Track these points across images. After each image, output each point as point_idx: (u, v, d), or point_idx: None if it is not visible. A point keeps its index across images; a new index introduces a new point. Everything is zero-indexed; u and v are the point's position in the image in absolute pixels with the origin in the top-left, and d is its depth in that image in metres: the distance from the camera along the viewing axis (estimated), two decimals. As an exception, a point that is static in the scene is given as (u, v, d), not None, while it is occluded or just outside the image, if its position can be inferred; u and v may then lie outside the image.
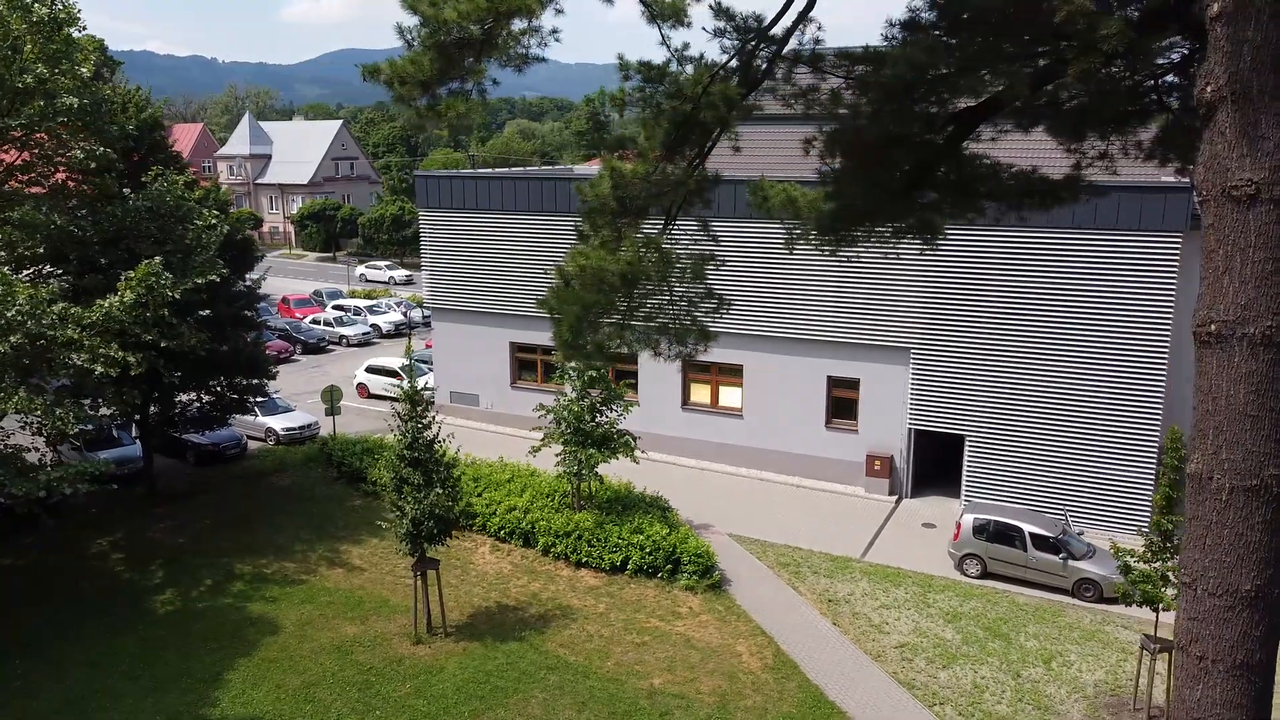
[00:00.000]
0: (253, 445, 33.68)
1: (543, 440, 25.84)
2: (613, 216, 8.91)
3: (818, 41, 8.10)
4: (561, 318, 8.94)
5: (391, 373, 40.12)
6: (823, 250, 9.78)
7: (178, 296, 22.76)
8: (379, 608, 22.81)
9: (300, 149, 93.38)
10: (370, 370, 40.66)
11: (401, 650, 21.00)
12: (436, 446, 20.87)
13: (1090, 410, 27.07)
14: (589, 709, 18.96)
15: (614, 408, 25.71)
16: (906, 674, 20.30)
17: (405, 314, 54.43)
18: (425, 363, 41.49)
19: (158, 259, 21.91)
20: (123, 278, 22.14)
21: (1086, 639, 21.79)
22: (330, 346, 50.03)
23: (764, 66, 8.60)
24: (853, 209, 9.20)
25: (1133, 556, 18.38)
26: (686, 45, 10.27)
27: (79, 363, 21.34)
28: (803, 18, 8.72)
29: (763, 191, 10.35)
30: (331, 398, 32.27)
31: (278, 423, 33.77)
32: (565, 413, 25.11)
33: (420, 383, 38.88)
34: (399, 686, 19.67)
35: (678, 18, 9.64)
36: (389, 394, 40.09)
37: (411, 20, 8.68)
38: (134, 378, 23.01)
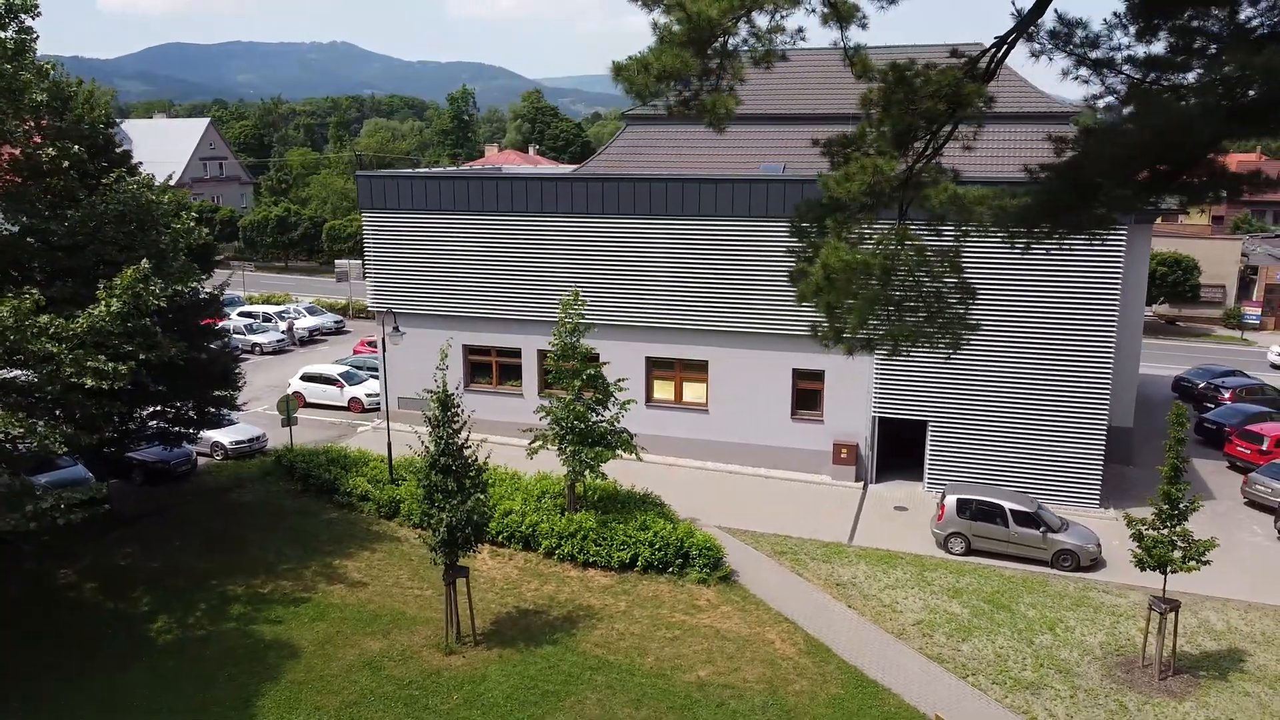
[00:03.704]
0: (200, 461, 31.85)
1: (535, 440, 25.66)
2: (854, 212, 9.17)
3: (1139, 45, 8.65)
4: (842, 311, 9.16)
5: (330, 380, 38.68)
6: (1012, 245, 10.33)
7: (163, 304, 21.43)
8: (396, 620, 22.15)
9: (164, 148, 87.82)
10: (306, 378, 39.02)
11: (435, 662, 20.49)
12: (467, 452, 20.44)
13: (1044, 394, 28.92)
14: (645, 706, 19.06)
15: (609, 406, 25.79)
16: (932, 649, 21.29)
17: (290, 324, 51.27)
18: (361, 368, 40.24)
19: (146, 264, 20.53)
20: (102, 285, 20.65)
21: (1077, 605, 23.38)
22: (244, 355, 47.53)
23: (992, 66, 9.10)
24: (1053, 204, 9.78)
25: (1144, 525, 19.91)
26: (860, 46, 10.70)
27: (65, 376, 19.76)
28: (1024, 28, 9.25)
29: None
30: (288, 408, 30.92)
31: (224, 436, 32.05)
32: (564, 413, 25.00)
33: (362, 390, 37.90)
34: (446, 698, 19.22)
35: (850, 18, 10.08)
36: (327, 402, 38.69)
37: (664, 18, 8.69)
38: (113, 391, 21.48)
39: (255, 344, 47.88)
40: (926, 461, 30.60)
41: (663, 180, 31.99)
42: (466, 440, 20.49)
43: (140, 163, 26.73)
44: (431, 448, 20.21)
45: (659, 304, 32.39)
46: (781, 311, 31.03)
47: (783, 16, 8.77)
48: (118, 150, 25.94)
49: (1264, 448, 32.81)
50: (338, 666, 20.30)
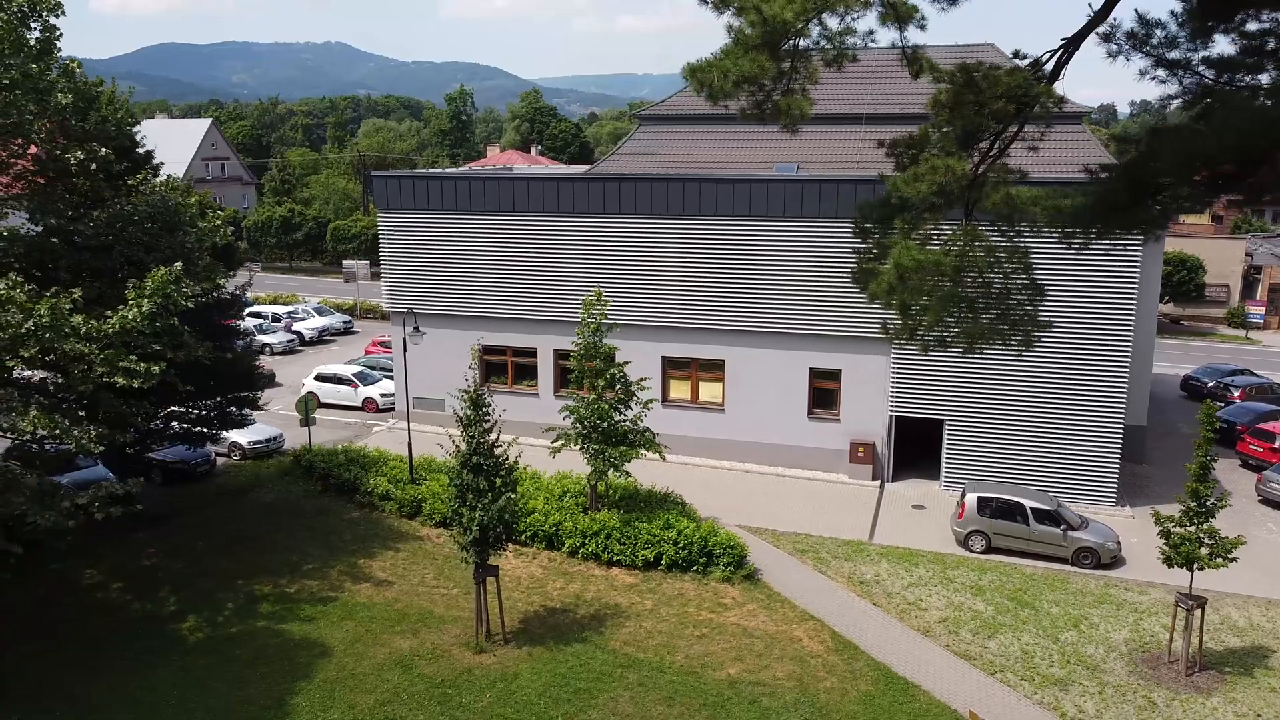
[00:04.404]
0: (218, 462, 31.88)
1: (557, 439, 25.76)
2: (921, 212, 9.29)
3: (1203, 48, 8.78)
4: (917, 310, 9.27)
5: (345, 380, 38.74)
6: (1070, 245, 10.45)
7: (192, 305, 21.47)
8: (425, 620, 22.22)
9: (166, 149, 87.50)
10: (320, 378, 39.06)
11: (466, 660, 20.57)
12: (498, 451, 20.52)
13: (1061, 394, 29.07)
14: (678, 703, 19.15)
15: (632, 405, 25.87)
16: (959, 646, 21.42)
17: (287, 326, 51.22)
18: (374, 369, 40.31)
19: (178, 265, 20.59)
20: (131, 285, 20.69)
21: (1100, 602, 23.53)
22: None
23: (1053, 68, 9.24)
24: (1111, 204, 9.90)
25: (1172, 523, 20.06)
26: (919, 46, 10.83)
27: (97, 375, 19.82)
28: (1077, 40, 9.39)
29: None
30: (306, 408, 30.94)
31: (243, 436, 32.04)
32: (588, 411, 25.08)
33: (376, 390, 37.95)
34: (478, 697, 19.30)
35: (910, 19, 10.21)
36: (341, 402, 38.74)
37: (737, 20, 8.80)
38: (143, 391, 21.54)
39: (265, 344, 47.85)
40: (944, 460, 30.74)
41: (679, 180, 32.09)
42: (497, 439, 20.57)
43: (162, 163, 26.76)
44: (463, 447, 20.29)
45: (676, 304, 32.49)
46: (798, 311, 31.18)
47: (853, 19, 8.91)
48: (140, 150, 25.94)
49: (1276, 445, 33.02)
50: (369, 665, 20.37)
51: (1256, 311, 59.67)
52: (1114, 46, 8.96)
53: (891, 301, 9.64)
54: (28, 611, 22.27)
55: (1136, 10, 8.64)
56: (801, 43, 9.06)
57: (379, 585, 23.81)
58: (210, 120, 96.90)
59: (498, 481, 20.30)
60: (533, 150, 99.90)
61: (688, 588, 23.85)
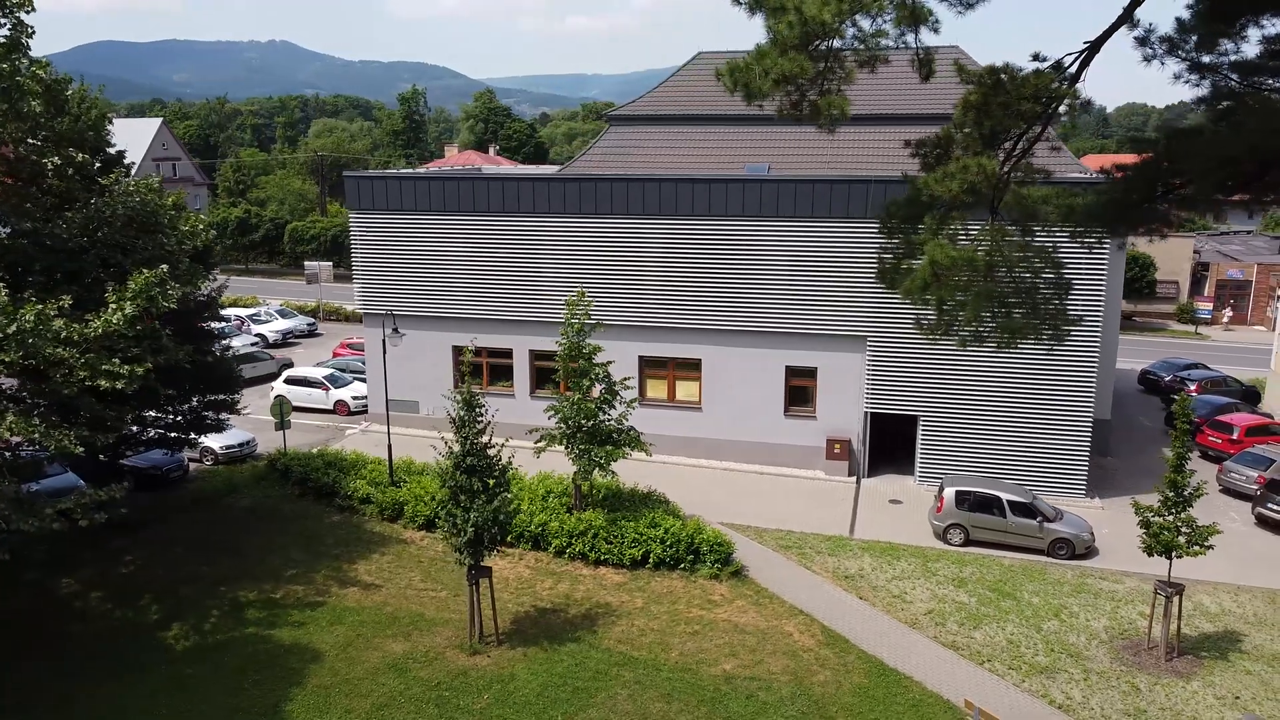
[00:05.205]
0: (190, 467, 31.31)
1: (540, 440, 25.74)
2: (948, 210, 9.52)
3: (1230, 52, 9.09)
4: (953, 306, 9.47)
5: (316, 383, 38.26)
6: (1081, 243, 10.76)
7: (175, 308, 21.13)
8: (416, 622, 22.08)
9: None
10: (289, 382, 38.53)
11: (461, 662, 20.50)
12: (491, 452, 20.48)
13: (1032, 390, 29.72)
14: (676, 699, 19.28)
15: (616, 405, 25.94)
16: (946, 637, 21.83)
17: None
18: (344, 371, 39.90)
19: (164, 267, 20.25)
20: (112, 288, 20.30)
21: (1077, 592, 24.12)
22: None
23: (1076, 69, 9.54)
24: (1126, 203, 10.23)
25: (1151, 512, 20.66)
26: (931, 50, 11.08)
27: (79, 379, 19.41)
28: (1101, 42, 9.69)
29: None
30: (281, 411, 30.54)
31: (215, 441, 31.51)
32: (573, 411, 25.11)
33: (348, 392, 37.58)
34: (476, 698, 19.25)
35: (924, 22, 10.46)
36: (312, 405, 38.25)
37: (772, 21, 8.95)
38: (124, 395, 21.17)
39: (229, 348, 46.94)
40: (918, 455, 31.25)
41: (655, 180, 32.20)
42: (490, 441, 20.53)
43: (134, 162, 26.24)
44: (456, 448, 20.21)
45: (653, 303, 32.61)
46: (775, 309, 31.47)
47: (885, 21, 9.11)
48: (111, 149, 25.43)
49: (1234, 437, 34.08)
50: (362, 669, 20.21)
51: (1205, 307, 61.50)
52: (1149, 51, 9.27)
53: (926, 298, 9.89)
54: (8, 621, 21.72)
55: (1177, 18, 8.97)
56: (835, 44, 9.26)
57: (366, 589, 23.61)
58: (160, 120, 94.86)
59: (491, 482, 20.27)
60: (491, 150, 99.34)
61: (676, 585, 23.99)
